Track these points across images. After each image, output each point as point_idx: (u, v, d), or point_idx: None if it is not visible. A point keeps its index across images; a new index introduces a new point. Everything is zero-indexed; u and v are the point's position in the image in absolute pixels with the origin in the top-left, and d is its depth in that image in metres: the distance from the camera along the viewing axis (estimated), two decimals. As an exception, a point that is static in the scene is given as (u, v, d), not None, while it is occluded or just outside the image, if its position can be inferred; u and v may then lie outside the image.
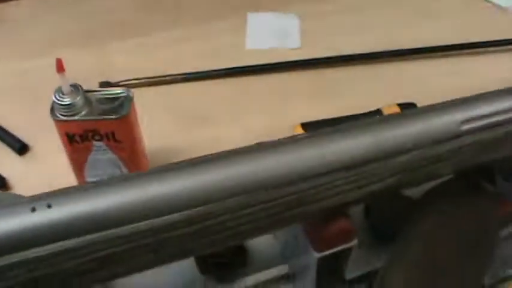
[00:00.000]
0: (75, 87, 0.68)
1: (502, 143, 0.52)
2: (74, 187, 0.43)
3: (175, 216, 0.44)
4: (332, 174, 0.47)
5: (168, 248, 0.45)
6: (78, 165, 0.72)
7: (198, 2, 1.13)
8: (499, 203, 0.65)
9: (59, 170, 0.82)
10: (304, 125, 0.84)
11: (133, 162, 0.72)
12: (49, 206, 0.41)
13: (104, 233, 0.42)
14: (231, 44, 1.05)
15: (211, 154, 0.46)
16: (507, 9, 1.11)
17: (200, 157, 0.46)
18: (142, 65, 1.00)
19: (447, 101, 0.52)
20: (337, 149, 0.47)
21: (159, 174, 0.44)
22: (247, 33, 1.05)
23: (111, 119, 0.67)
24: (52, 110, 0.68)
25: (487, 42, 1.01)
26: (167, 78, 0.95)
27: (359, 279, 0.65)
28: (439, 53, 1.00)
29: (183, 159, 0.84)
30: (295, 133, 0.84)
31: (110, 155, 0.71)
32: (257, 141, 0.83)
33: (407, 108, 0.85)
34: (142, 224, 0.44)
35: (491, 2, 1.13)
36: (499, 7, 1.13)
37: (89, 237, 0.42)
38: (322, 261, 0.55)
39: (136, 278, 0.45)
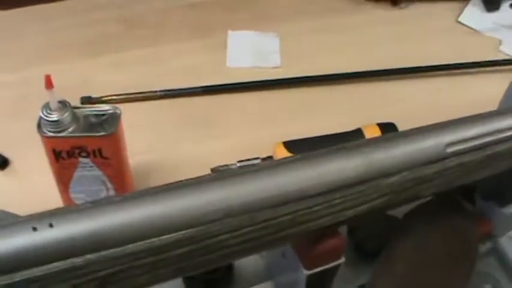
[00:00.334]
0: (63, 104, 0.68)
1: (484, 165, 0.54)
2: (74, 206, 0.43)
3: (173, 236, 0.44)
4: (325, 195, 0.48)
5: (166, 268, 0.45)
6: (64, 181, 0.72)
7: (179, 19, 1.14)
8: (478, 222, 0.67)
9: (40, 186, 0.83)
10: (286, 144, 0.85)
11: (119, 179, 0.73)
12: (51, 226, 0.41)
13: (104, 253, 0.42)
14: (211, 62, 1.06)
15: (209, 175, 0.47)
16: (480, 33, 1.14)
17: (198, 177, 0.47)
18: (123, 81, 1.01)
19: (432, 124, 0.54)
20: (331, 170, 0.48)
21: (159, 194, 0.45)
22: (228, 51, 1.07)
23: (99, 136, 0.68)
24: (39, 125, 0.68)
25: (463, 64, 1.03)
26: (147, 94, 0.96)
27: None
28: (417, 74, 1.03)
29: (164, 175, 0.86)
30: (277, 151, 0.86)
31: (96, 172, 0.71)
32: (239, 158, 0.85)
33: (387, 128, 0.86)
34: (142, 244, 0.44)
35: (466, 25, 1.15)
36: (474, 30, 1.16)
37: (89, 256, 0.42)
38: (311, 279, 0.56)
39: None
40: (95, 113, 0.69)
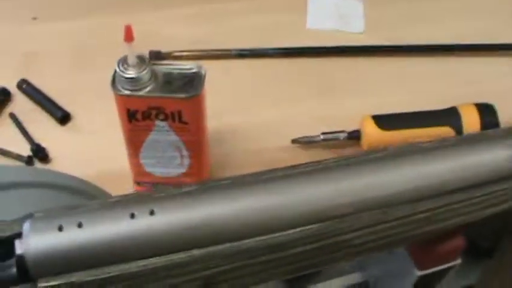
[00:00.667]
0: (142, 59, 0.60)
1: None
2: (178, 191, 0.35)
3: (296, 232, 0.37)
4: (466, 191, 0.40)
5: (277, 268, 0.38)
6: (135, 144, 0.64)
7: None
8: None
9: (104, 145, 0.78)
10: (376, 118, 0.76)
11: (196, 147, 0.65)
12: (152, 213, 0.33)
13: (212, 249, 0.35)
14: (290, 22, 0.98)
15: (333, 159, 0.39)
16: None
17: (320, 162, 0.39)
18: (193, 37, 0.93)
19: None
20: (474, 163, 0.40)
21: (278, 181, 0.37)
22: (309, 11, 0.97)
23: (180, 97, 0.59)
24: (113, 82, 0.60)
25: None
26: (221, 53, 0.87)
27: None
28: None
29: (241, 142, 0.77)
30: (365, 124, 0.79)
31: (172, 137, 0.63)
32: (321, 129, 0.76)
33: (485, 110, 0.77)
34: (259, 240, 0.37)
35: None
36: None
37: (194, 252, 0.35)
38: (421, 279, 0.49)
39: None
40: (177, 71, 0.61)
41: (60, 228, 0.33)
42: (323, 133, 0.77)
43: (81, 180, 0.54)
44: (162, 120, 0.62)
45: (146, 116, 0.61)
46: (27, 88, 0.84)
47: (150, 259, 0.34)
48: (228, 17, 0.97)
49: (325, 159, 0.40)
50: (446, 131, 0.77)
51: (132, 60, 0.59)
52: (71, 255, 0.33)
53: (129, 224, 0.33)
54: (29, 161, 0.76)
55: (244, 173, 0.73)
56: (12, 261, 0.36)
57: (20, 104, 0.83)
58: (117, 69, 0.59)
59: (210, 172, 0.71)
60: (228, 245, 0.36)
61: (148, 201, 0.35)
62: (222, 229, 0.35)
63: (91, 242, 0.33)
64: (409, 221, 0.40)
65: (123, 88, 0.60)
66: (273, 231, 0.37)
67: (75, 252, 0.33)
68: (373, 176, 0.38)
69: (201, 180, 0.37)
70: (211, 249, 0.35)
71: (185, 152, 0.65)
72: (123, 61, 0.60)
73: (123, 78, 0.59)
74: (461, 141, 0.43)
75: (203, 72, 0.61)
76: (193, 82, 0.61)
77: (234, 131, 0.77)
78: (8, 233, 0.36)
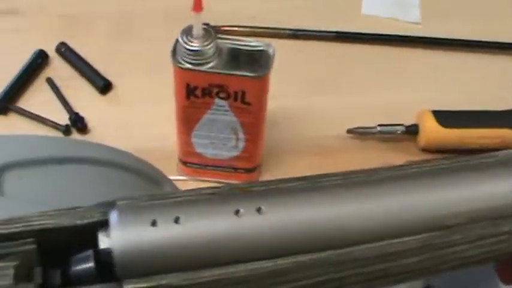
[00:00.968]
0: (207, 32, 0.54)
1: None
2: (287, 187, 0.30)
3: (410, 239, 0.33)
4: None
5: (385, 278, 0.34)
6: (189, 122, 0.59)
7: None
8: None
9: (146, 118, 0.74)
10: (436, 114, 0.71)
11: (255, 130, 0.60)
12: (259, 211, 0.28)
13: (322, 255, 0.31)
14: (346, 5, 0.93)
15: (440, 161, 0.34)
16: None
17: (427, 161, 0.36)
18: (246, 13, 0.88)
19: None
20: None
21: (393, 183, 0.32)
22: (365, -4, 0.90)
23: (247, 76, 0.54)
24: (174, 53, 0.55)
25: None
26: (274, 31, 0.81)
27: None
28: None
29: (293, 128, 0.72)
30: (425, 119, 0.74)
31: (231, 118, 0.58)
32: (377, 120, 0.70)
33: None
34: (368, 248, 0.33)
35: None
36: None
37: (301, 258, 0.29)
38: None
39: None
40: (243, 47, 0.56)
41: (154, 223, 0.28)
42: (380, 125, 0.72)
43: (141, 160, 0.49)
44: (222, 98, 0.57)
45: (206, 93, 0.57)
46: (67, 53, 0.79)
47: (253, 263, 0.29)
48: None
49: (436, 159, 0.35)
50: (507, 133, 0.74)
51: (197, 31, 0.54)
52: (165, 254, 0.28)
53: (234, 221, 0.29)
54: (66, 130, 0.71)
55: (297, 160, 0.68)
56: (90, 253, 0.30)
57: (58, 69, 0.79)
58: (180, 40, 0.54)
59: (262, 157, 0.66)
60: (338, 251, 0.31)
61: (255, 196, 0.30)
62: (335, 233, 0.31)
63: (190, 241, 0.28)
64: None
65: (184, 61, 0.55)
66: (388, 238, 0.33)
67: (170, 251, 0.28)
68: (488, 183, 0.33)
69: (309, 176, 0.32)
70: (320, 255, 0.30)
71: (241, 135, 0.61)
72: (187, 32, 0.55)
73: (185, 50, 0.55)
74: None
75: (271, 51, 0.56)
76: (260, 61, 0.56)
77: (287, 115, 0.73)
78: (85, 221, 0.30)
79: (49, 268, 0.31)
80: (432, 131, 0.72)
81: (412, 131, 0.73)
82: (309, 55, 0.83)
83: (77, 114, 0.72)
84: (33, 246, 0.30)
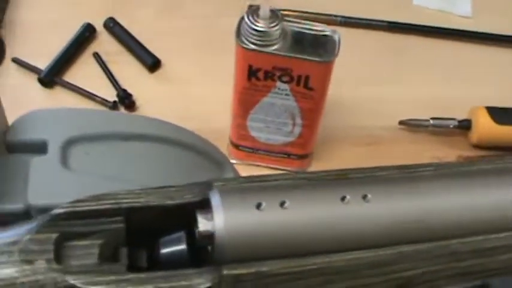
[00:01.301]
0: (274, 13, 0.53)
1: None
2: (391, 174, 0.29)
3: (507, 236, 0.32)
4: None
5: (475, 274, 0.34)
6: (246, 104, 0.58)
7: None
8: None
9: (195, 97, 0.73)
10: (490, 110, 0.70)
11: (313, 116, 0.59)
12: (364, 198, 0.27)
13: (423, 246, 0.28)
14: (397, -6, 0.86)
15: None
16: None
17: None
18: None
19: None
20: None
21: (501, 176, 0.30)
22: (418, -14, 0.88)
23: (313, 61, 0.53)
24: (238, 33, 0.53)
25: None
26: (325, 18, 0.80)
27: None
28: None
29: (343, 117, 0.71)
30: (479, 115, 0.73)
31: (291, 103, 0.57)
32: (428, 113, 0.69)
33: None
34: (464, 242, 0.32)
35: None
36: None
37: (406, 249, 0.28)
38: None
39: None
40: (309, 31, 0.54)
41: (259, 206, 0.27)
42: (433, 118, 0.71)
43: (205, 141, 0.48)
44: (285, 82, 0.56)
45: (269, 76, 0.55)
46: (115, 28, 0.77)
47: (357, 252, 0.28)
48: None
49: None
50: None
51: (264, 12, 0.53)
52: (268, 239, 0.27)
53: (340, 208, 0.28)
54: (113, 106, 0.70)
55: (346, 149, 0.67)
56: (181, 235, 0.29)
57: (105, 44, 0.77)
58: (246, 20, 0.53)
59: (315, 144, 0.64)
60: (438, 243, 0.30)
61: (358, 183, 0.29)
62: (435, 225, 0.29)
63: (296, 226, 0.27)
64: None
65: (248, 41, 0.53)
66: (485, 233, 0.32)
67: (274, 237, 0.27)
68: None
69: (403, 166, 0.30)
70: (421, 247, 0.29)
71: (299, 120, 0.59)
72: (254, 12, 0.53)
73: (250, 30, 0.53)
74: None
75: (337, 37, 0.54)
76: (325, 46, 0.55)
77: (339, 104, 0.71)
78: (178, 201, 0.29)
79: (135, 249, 0.30)
80: (485, 127, 0.70)
81: (465, 126, 0.71)
82: (360, 44, 0.82)
83: (125, 90, 0.71)
84: (121, 225, 0.29)
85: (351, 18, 0.82)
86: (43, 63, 0.72)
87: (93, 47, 0.77)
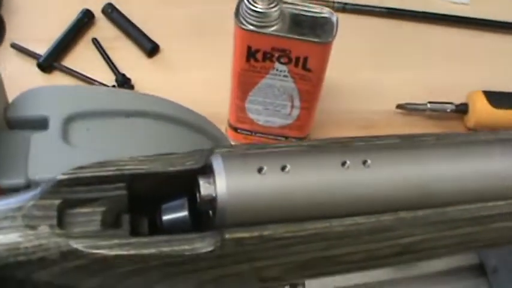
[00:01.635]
0: None
1: None
2: (389, 144, 0.29)
3: (505, 204, 0.33)
4: None
5: (471, 243, 0.34)
6: (245, 86, 0.58)
7: None
8: None
9: (192, 81, 0.74)
10: (487, 94, 0.70)
11: (311, 98, 0.59)
12: (364, 163, 0.27)
13: (422, 213, 0.29)
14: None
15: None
16: None
17: None
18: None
19: None
20: None
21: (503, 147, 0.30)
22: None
23: (312, 41, 0.53)
24: (237, 14, 0.53)
25: None
26: (323, 2, 0.80)
27: None
28: None
29: (343, 101, 0.71)
30: (476, 99, 0.74)
31: (289, 84, 0.57)
32: (426, 97, 0.69)
33: None
34: (467, 209, 0.32)
35: None
36: None
37: (403, 215, 0.28)
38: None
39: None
40: (307, 13, 0.54)
41: (261, 170, 0.27)
42: (430, 102, 0.71)
43: (205, 120, 0.48)
44: (283, 63, 0.56)
45: (267, 57, 0.56)
46: (114, 14, 0.78)
47: (357, 218, 0.28)
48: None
49: None
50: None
51: (264, -6, 0.53)
52: (270, 203, 0.27)
53: (341, 173, 0.28)
54: (112, 91, 0.70)
55: (343, 132, 0.67)
56: (184, 202, 0.30)
57: (104, 30, 0.78)
58: (245, 1, 0.53)
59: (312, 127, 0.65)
60: (436, 210, 0.31)
61: (359, 150, 0.29)
62: (435, 192, 0.30)
63: (296, 190, 0.27)
64: None
65: (247, 22, 0.54)
66: (482, 201, 0.33)
67: (276, 200, 0.27)
68: None
69: (404, 135, 0.31)
70: (420, 213, 0.29)
71: (297, 102, 0.60)
72: (254, -7, 0.53)
73: (249, 12, 0.54)
74: None
75: (335, 19, 0.55)
76: (324, 27, 0.55)
77: (336, 88, 0.71)
78: (180, 168, 0.29)
79: (137, 216, 0.30)
80: (483, 111, 0.71)
81: (462, 110, 0.72)
82: (358, 29, 0.82)
83: (123, 75, 0.72)
84: (124, 191, 0.29)
85: (348, 4, 0.81)
86: (42, 48, 0.72)
87: (92, 33, 0.77)
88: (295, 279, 0.32)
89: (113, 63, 0.73)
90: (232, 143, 0.65)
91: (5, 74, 0.65)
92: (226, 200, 0.27)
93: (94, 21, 0.78)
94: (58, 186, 0.28)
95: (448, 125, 0.72)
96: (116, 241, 0.27)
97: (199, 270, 0.28)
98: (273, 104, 0.60)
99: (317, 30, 0.55)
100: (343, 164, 0.28)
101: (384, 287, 0.56)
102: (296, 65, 0.56)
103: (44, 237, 0.27)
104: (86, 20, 0.77)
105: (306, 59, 0.55)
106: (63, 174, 0.29)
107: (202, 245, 0.27)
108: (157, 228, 0.30)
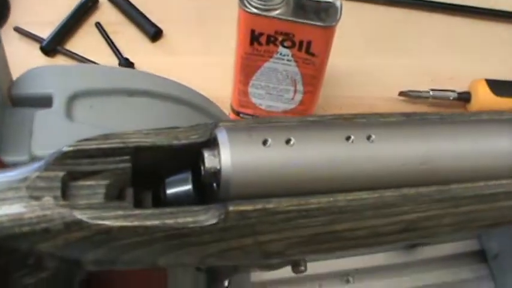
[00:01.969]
0: None
1: None
2: (392, 121, 0.29)
3: (507, 183, 0.33)
4: None
5: (474, 222, 0.34)
6: (248, 70, 0.58)
7: None
8: None
9: (195, 66, 0.74)
10: (490, 83, 0.70)
11: (314, 82, 0.59)
12: (369, 138, 0.27)
13: (425, 190, 0.28)
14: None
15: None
16: None
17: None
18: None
19: None
20: None
21: (498, 125, 0.31)
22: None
23: (316, 25, 0.53)
24: None
25: None
26: None
27: None
28: None
29: (346, 88, 0.71)
30: (478, 88, 0.75)
31: (292, 68, 0.57)
32: (429, 85, 0.69)
33: None
34: (465, 188, 0.32)
35: None
36: None
37: (405, 192, 0.28)
38: None
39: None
40: (311, -3, 0.54)
41: (265, 143, 0.27)
42: (432, 89, 0.71)
43: (207, 99, 0.48)
44: (287, 47, 0.56)
45: (271, 40, 0.55)
46: (117, -2, 0.77)
47: (361, 193, 0.28)
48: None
49: None
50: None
51: (267, -23, 0.52)
52: (274, 176, 0.27)
53: (345, 147, 0.28)
54: (115, 74, 0.70)
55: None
56: (188, 175, 0.30)
57: (107, 14, 0.78)
58: (249, -16, 0.53)
59: (315, 113, 0.65)
60: (440, 187, 0.30)
61: (362, 125, 0.29)
62: (440, 168, 0.29)
63: (300, 163, 0.27)
64: None
65: (251, 5, 0.54)
66: (485, 179, 0.33)
67: (280, 173, 0.27)
68: None
69: (407, 113, 0.31)
70: (424, 190, 0.29)
71: (300, 87, 0.60)
72: (257, -24, 0.53)
73: (254, -5, 0.53)
74: None
75: (338, 3, 0.55)
76: (328, 12, 0.55)
77: (338, 74, 0.71)
78: (184, 141, 0.29)
79: (141, 190, 0.30)
80: (485, 99, 0.71)
81: (465, 98, 0.72)
82: (361, 17, 0.82)
83: (126, 59, 0.72)
84: (128, 164, 0.29)
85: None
86: (45, 32, 0.72)
87: (95, 17, 0.77)
88: (298, 255, 0.32)
89: (116, 47, 0.73)
90: (235, 128, 0.65)
91: (9, 58, 0.65)
92: (230, 172, 0.27)
93: (97, 6, 0.78)
94: (63, 158, 0.28)
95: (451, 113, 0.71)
96: (120, 212, 0.27)
97: (203, 243, 0.28)
98: (276, 89, 0.60)
99: (321, 14, 0.55)
100: (348, 138, 0.28)
101: (362, 275, 0.56)
102: (300, 49, 0.56)
103: (48, 208, 0.27)
104: (89, 4, 0.77)
105: (309, 43, 0.55)
106: (68, 146, 0.28)
107: (206, 217, 0.27)
108: (161, 202, 0.30)
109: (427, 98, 0.71)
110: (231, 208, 0.27)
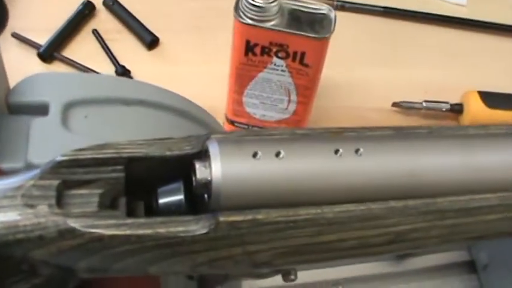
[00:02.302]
0: None
1: None
2: (382, 135, 0.30)
3: (493, 197, 0.32)
4: None
5: (462, 234, 0.34)
6: (242, 80, 0.59)
7: None
8: None
9: (191, 75, 0.74)
10: (482, 94, 0.71)
11: (308, 93, 0.60)
12: (357, 152, 0.28)
13: (412, 203, 0.29)
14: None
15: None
16: None
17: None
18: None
19: None
20: None
21: (487, 141, 0.31)
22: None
23: (310, 37, 0.54)
24: (237, 8, 0.54)
25: None
26: (323, 1, 0.79)
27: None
28: None
29: (339, 98, 0.72)
30: (471, 99, 0.75)
31: (286, 78, 0.58)
32: (421, 96, 0.70)
33: None
34: (451, 201, 0.33)
35: None
36: None
37: (394, 204, 0.29)
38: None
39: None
40: (305, 9, 0.55)
41: (255, 155, 0.28)
42: (426, 101, 0.72)
43: (202, 110, 0.49)
44: (281, 58, 0.57)
45: (266, 51, 0.56)
46: (114, 6, 0.79)
47: (348, 205, 0.29)
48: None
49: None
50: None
51: (262, -12, 0.53)
52: (264, 188, 0.28)
53: (334, 161, 0.29)
54: (111, 82, 0.70)
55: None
56: (179, 185, 0.30)
57: (105, 22, 0.78)
58: (245, -5, 0.54)
59: (308, 123, 0.65)
60: (426, 200, 0.31)
61: (351, 139, 0.29)
62: (427, 182, 0.30)
63: (290, 176, 0.28)
64: None
65: (246, 16, 0.54)
66: (471, 193, 0.33)
67: (269, 185, 0.28)
68: None
69: (396, 127, 0.32)
70: (410, 203, 0.30)
71: (294, 97, 0.60)
72: (252, -12, 0.54)
73: (248, 5, 0.54)
74: None
75: (333, 15, 0.56)
76: (322, 23, 0.56)
77: (332, 85, 0.72)
78: (177, 152, 0.30)
79: (133, 199, 0.31)
80: (477, 111, 0.72)
81: (457, 109, 0.73)
82: (355, 28, 0.83)
83: (123, 67, 0.72)
84: (121, 174, 0.30)
85: (347, 2, 0.82)
86: (43, 38, 0.73)
87: (93, 25, 0.78)
88: (286, 265, 0.33)
89: (112, 54, 0.73)
90: (229, 136, 0.65)
91: (6, 64, 0.65)
92: (221, 183, 0.28)
93: (95, 13, 0.78)
94: (58, 167, 0.29)
95: (443, 124, 0.73)
96: (113, 221, 0.28)
97: (194, 252, 0.29)
98: (270, 99, 0.61)
99: (315, 25, 0.55)
100: (336, 151, 0.29)
101: (352, 284, 0.57)
102: (294, 59, 0.57)
103: (42, 215, 0.28)
104: (86, 11, 0.77)
105: (303, 54, 0.56)
106: (63, 155, 0.29)
107: (197, 227, 0.28)
108: (153, 211, 0.31)
109: (420, 109, 0.72)
110: (221, 218, 0.28)
